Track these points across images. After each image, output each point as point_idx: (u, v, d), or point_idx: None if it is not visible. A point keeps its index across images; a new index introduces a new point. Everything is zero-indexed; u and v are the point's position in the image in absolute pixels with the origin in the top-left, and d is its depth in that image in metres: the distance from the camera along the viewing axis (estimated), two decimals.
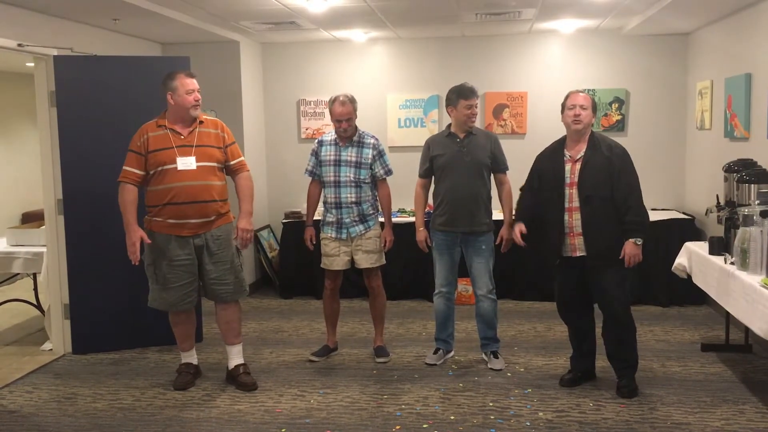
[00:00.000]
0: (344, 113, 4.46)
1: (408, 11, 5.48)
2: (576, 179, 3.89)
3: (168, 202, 3.98)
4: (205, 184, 4.01)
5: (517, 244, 4.17)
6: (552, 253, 4.02)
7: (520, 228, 4.12)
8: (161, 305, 4.17)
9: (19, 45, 4.54)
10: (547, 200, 3.99)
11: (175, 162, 3.96)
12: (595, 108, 3.99)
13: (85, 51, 5.08)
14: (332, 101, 4.50)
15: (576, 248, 3.94)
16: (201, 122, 4.09)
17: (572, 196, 3.90)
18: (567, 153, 3.98)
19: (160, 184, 3.98)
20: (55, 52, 4.80)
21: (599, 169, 3.85)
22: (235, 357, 4.25)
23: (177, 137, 4.01)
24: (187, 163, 3.97)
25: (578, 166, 3.91)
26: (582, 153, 3.92)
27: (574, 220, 3.91)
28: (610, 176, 3.83)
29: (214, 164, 4.07)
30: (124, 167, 4.03)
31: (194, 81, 4.05)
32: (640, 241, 3.85)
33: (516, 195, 4.45)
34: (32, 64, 4.91)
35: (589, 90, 6.59)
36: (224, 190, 4.15)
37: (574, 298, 4.07)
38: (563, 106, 4.01)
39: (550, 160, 4.04)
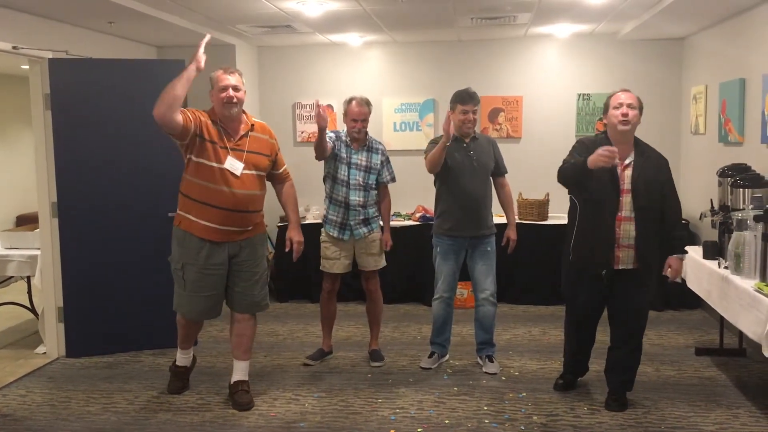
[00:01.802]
0: (361, 113, 4.46)
1: (404, 15, 5.49)
2: (628, 187, 3.63)
3: (210, 204, 3.76)
4: (252, 194, 3.85)
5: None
6: (600, 264, 3.73)
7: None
8: (186, 312, 4.01)
9: (15, 47, 4.53)
10: (598, 205, 3.66)
11: (222, 162, 3.73)
12: (641, 108, 3.70)
13: (81, 54, 5.08)
14: (349, 101, 4.49)
15: (619, 261, 3.69)
16: (252, 126, 3.90)
17: (623, 205, 3.64)
18: None
19: (205, 180, 3.74)
20: (50, 55, 4.80)
21: (652, 178, 3.64)
22: (238, 373, 4.04)
23: (229, 139, 3.81)
24: (234, 166, 3.75)
25: (628, 172, 3.65)
26: (631, 159, 3.67)
27: (622, 231, 3.65)
28: (662, 187, 3.68)
29: (262, 173, 3.93)
30: None
31: (229, 77, 3.80)
32: (683, 257, 3.79)
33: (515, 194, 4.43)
34: (27, 67, 4.91)
35: (584, 94, 6.62)
36: (263, 198, 4.01)
37: (597, 309, 3.93)
38: (606, 106, 3.70)
39: None
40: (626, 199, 3.65)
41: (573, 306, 4.00)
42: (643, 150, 3.72)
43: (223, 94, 3.77)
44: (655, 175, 3.67)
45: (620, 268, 3.72)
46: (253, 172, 3.86)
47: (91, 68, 4.84)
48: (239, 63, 6.56)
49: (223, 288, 3.96)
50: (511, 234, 4.57)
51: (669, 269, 3.77)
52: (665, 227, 3.73)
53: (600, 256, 3.72)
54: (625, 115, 3.60)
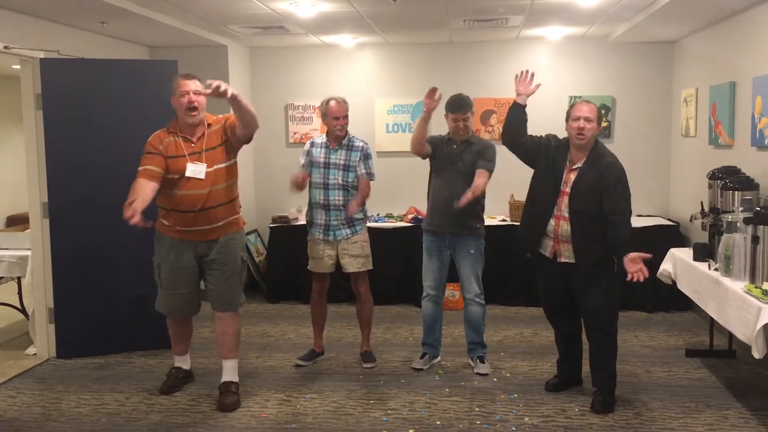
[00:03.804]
0: (342, 110, 4.51)
1: (396, 17, 5.50)
2: (568, 190, 3.82)
3: (174, 209, 3.87)
4: (212, 190, 3.86)
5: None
6: (525, 244, 4.04)
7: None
8: (164, 310, 4.12)
9: (6, 47, 4.51)
10: (540, 194, 3.95)
11: (184, 170, 3.80)
12: (600, 119, 3.89)
13: (72, 54, 5.07)
14: (327, 101, 4.54)
15: (561, 254, 3.89)
16: (209, 125, 3.94)
17: (561, 205, 3.84)
18: (569, 157, 3.90)
19: (168, 189, 3.85)
20: (41, 55, 4.78)
21: (592, 184, 3.77)
22: (227, 373, 4.08)
23: (188, 144, 3.86)
24: (196, 171, 3.80)
25: (573, 176, 3.83)
26: (580, 164, 3.84)
27: (560, 228, 3.83)
28: (600, 193, 3.75)
29: (222, 165, 3.91)
30: (140, 168, 3.79)
31: (189, 82, 3.84)
32: (626, 256, 3.65)
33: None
34: (19, 67, 4.89)
35: (575, 97, 6.64)
36: (231, 188, 3.99)
37: (561, 301, 4.04)
38: (568, 115, 3.90)
39: (557, 156, 3.93)
40: (564, 201, 3.85)
41: (543, 293, 4.17)
42: (594, 158, 3.84)
43: (184, 99, 3.84)
44: (597, 183, 3.78)
45: (564, 261, 3.88)
46: (214, 167, 3.89)
47: (82, 68, 4.82)
48: (231, 64, 6.56)
49: (196, 286, 4.07)
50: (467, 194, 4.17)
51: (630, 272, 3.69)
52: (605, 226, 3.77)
53: (527, 242, 4.02)
54: (581, 128, 3.79)
